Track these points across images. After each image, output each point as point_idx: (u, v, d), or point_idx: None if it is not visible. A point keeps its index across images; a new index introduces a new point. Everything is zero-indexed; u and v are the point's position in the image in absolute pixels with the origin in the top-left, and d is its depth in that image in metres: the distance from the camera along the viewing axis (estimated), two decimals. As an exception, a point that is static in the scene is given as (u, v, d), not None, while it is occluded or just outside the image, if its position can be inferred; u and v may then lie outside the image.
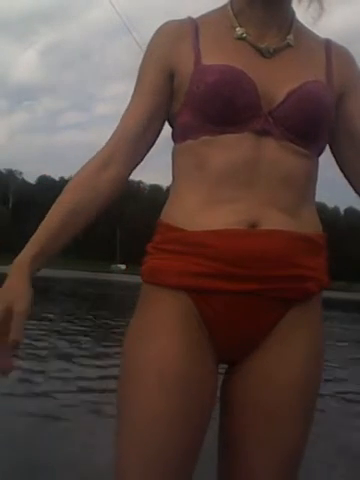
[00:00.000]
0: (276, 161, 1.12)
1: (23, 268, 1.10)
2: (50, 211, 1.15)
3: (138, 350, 1.13)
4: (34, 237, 1.13)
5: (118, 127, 1.20)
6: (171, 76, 1.18)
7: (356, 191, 1.25)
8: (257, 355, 1.15)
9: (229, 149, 1.12)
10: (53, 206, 1.16)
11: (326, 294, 1.29)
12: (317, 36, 1.24)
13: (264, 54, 1.16)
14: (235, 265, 1.09)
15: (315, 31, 1.24)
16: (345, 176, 1.26)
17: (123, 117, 1.20)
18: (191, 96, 1.14)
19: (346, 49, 1.25)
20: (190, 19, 1.21)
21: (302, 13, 1.19)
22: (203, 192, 1.13)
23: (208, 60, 1.14)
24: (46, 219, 1.15)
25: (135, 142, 1.19)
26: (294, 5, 1.19)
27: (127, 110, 1.21)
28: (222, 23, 1.19)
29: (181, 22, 1.21)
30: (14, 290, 1.08)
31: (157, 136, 1.22)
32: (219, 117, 1.12)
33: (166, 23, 1.22)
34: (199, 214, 1.12)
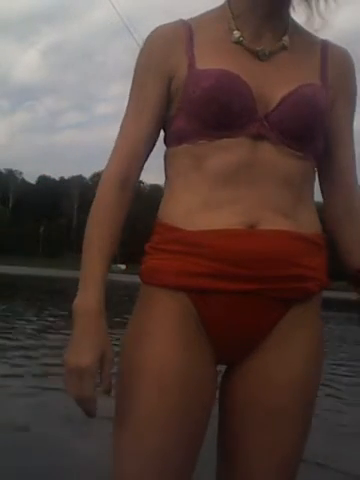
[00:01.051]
0: (272, 163, 1.12)
1: (96, 314, 1.09)
2: (91, 248, 1.13)
3: (136, 351, 1.12)
4: (89, 280, 1.11)
5: (125, 143, 1.17)
6: (169, 81, 1.16)
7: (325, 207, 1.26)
8: (257, 355, 1.15)
9: (225, 152, 1.11)
10: (92, 243, 1.13)
11: (326, 294, 1.29)
12: (313, 36, 1.22)
13: (260, 57, 1.15)
14: (235, 265, 1.09)
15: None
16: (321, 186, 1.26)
17: (127, 132, 1.18)
18: (186, 101, 1.13)
19: (344, 50, 1.23)
20: (182, 22, 1.19)
21: (304, 24, 1.17)
22: (201, 193, 1.13)
23: (203, 64, 1.13)
24: (91, 261, 1.12)
25: (144, 157, 1.19)
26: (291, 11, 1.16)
27: (129, 122, 1.18)
28: (219, 25, 1.18)
29: (173, 26, 1.19)
30: (101, 337, 1.08)
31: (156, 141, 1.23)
32: (215, 122, 1.11)
33: (158, 28, 1.20)
34: (197, 214, 1.12)
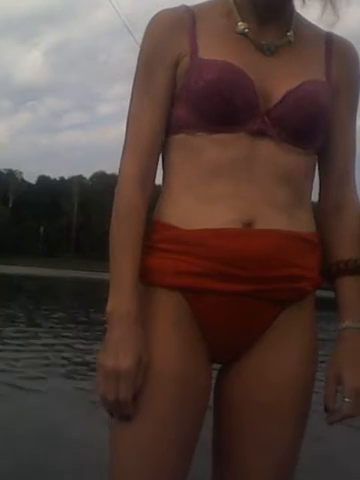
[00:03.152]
0: (272, 159, 1.11)
1: (135, 318, 1.09)
2: (121, 250, 1.12)
3: None
4: (124, 283, 1.10)
5: (141, 138, 1.15)
6: (175, 69, 1.14)
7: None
8: (252, 355, 1.16)
9: (224, 146, 1.10)
10: (121, 246, 1.12)
11: (326, 294, 1.30)
12: (318, 29, 1.21)
13: (265, 51, 1.14)
14: (231, 265, 1.09)
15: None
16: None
17: (142, 125, 1.15)
18: (188, 91, 1.12)
19: (349, 43, 1.22)
20: (185, 7, 1.17)
21: (316, 20, 1.17)
22: (197, 188, 1.12)
23: (206, 53, 1.11)
24: (123, 264, 1.11)
25: (160, 151, 1.18)
26: (298, 7, 1.16)
27: (142, 113, 1.15)
28: (222, 15, 1.16)
29: (176, 11, 1.17)
30: (140, 341, 1.08)
31: None
32: (216, 116, 1.10)
33: (160, 13, 1.17)
34: (194, 212, 1.12)
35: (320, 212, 1.24)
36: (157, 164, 1.19)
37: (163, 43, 1.14)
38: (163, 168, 1.20)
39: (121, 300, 1.09)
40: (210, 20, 1.16)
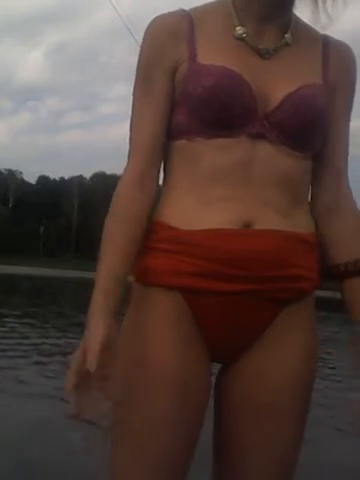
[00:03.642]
0: (270, 162, 1.12)
1: (90, 315, 1.09)
2: (106, 252, 1.13)
3: (132, 352, 1.13)
4: (101, 283, 1.11)
5: (143, 141, 1.16)
6: (174, 74, 1.15)
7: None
8: (251, 354, 1.16)
9: (223, 150, 1.11)
10: (107, 245, 1.13)
11: (325, 294, 1.30)
12: (314, 31, 1.21)
13: (263, 55, 1.15)
14: (229, 265, 1.09)
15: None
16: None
17: (143, 128, 1.17)
18: (187, 97, 1.13)
19: (346, 45, 1.23)
20: (183, 12, 1.17)
21: (310, 21, 1.17)
22: (197, 191, 1.13)
23: (204, 59, 1.12)
24: (106, 264, 1.12)
25: (161, 153, 1.19)
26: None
27: (144, 117, 1.17)
28: (221, 19, 1.16)
29: (174, 16, 1.17)
30: (86, 335, 1.07)
31: None
32: (214, 121, 1.11)
33: (158, 18, 1.18)
34: (193, 213, 1.12)
35: (315, 212, 1.23)
36: (160, 166, 1.19)
37: (162, 47, 1.15)
38: (164, 171, 1.21)
39: (95, 302, 1.10)
40: (208, 24, 1.16)
